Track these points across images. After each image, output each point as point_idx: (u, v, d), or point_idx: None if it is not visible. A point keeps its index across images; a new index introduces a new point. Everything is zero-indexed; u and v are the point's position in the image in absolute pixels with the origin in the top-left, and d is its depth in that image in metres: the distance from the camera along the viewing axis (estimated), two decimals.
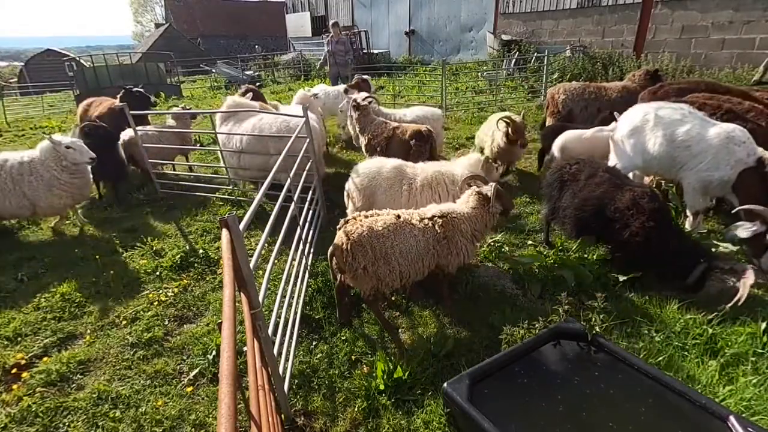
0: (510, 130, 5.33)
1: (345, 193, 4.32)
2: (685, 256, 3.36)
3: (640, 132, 4.29)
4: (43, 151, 4.85)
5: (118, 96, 7.89)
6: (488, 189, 3.29)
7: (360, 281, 3.04)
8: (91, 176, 5.26)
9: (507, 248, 4.30)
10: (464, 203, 3.34)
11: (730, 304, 3.10)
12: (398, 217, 3.12)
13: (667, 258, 3.39)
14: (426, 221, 3.15)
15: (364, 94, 5.99)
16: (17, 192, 4.77)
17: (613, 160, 4.60)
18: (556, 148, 5.40)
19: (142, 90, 8.17)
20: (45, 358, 3.25)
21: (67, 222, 5.48)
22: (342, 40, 10.96)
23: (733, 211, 3.69)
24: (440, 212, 3.22)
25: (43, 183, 4.80)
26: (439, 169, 4.06)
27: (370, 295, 3.12)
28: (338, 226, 3.13)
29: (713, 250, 3.81)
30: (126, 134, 6.31)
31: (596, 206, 3.64)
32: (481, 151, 6.08)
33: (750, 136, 3.85)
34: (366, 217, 3.11)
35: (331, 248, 3.11)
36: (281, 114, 5.56)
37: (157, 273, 4.31)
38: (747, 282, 3.08)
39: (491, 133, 5.79)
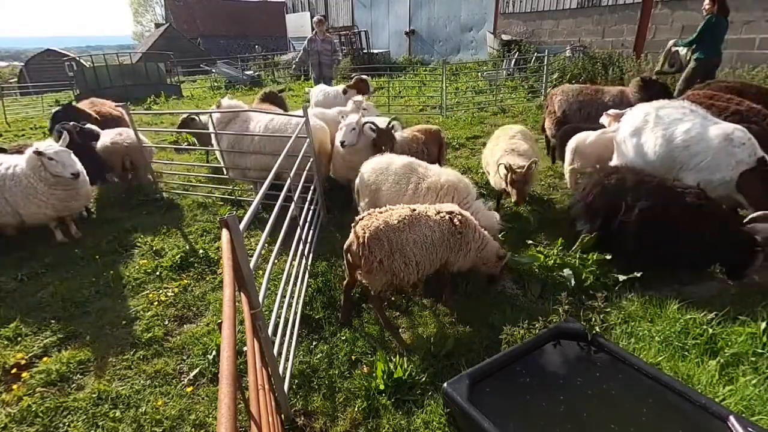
0: (511, 177, 4.36)
1: (354, 189, 4.35)
2: (743, 246, 3.35)
3: (641, 132, 4.28)
4: (26, 158, 4.56)
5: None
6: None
7: (375, 276, 3.07)
8: (87, 189, 4.93)
9: (507, 248, 4.30)
10: (482, 235, 3.42)
11: None
12: (413, 210, 3.18)
13: (730, 253, 3.37)
14: (443, 214, 3.22)
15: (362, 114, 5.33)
16: (0, 199, 4.55)
17: (615, 161, 4.60)
18: (568, 150, 5.31)
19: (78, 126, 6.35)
20: (45, 358, 3.25)
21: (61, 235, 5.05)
22: (328, 39, 9.79)
23: (745, 221, 3.59)
24: (459, 211, 3.31)
25: (20, 189, 4.52)
26: (456, 181, 3.85)
27: (381, 291, 3.17)
28: (353, 224, 3.18)
29: None
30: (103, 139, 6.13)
31: (662, 216, 3.46)
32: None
33: (751, 137, 3.83)
34: (381, 212, 3.18)
35: (346, 243, 3.17)
36: (292, 115, 5.52)
37: (157, 273, 4.31)
38: None
39: (496, 166, 4.73)
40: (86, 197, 5.09)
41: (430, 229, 3.13)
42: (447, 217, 3.22)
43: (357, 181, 4.30)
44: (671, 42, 7.25)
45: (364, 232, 3.01)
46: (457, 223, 3.22)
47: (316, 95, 8.21)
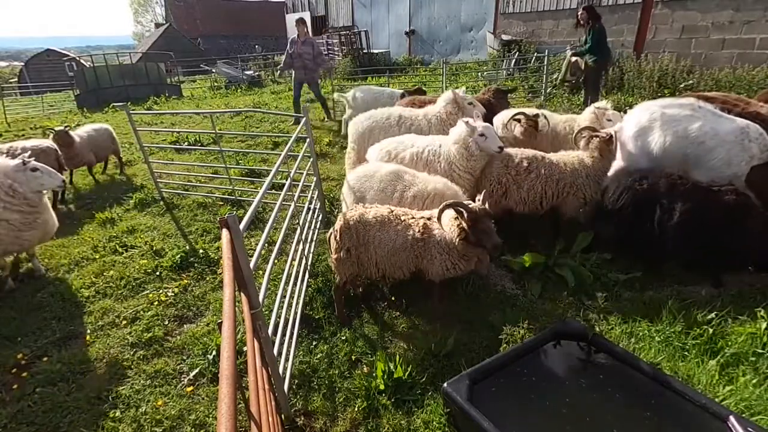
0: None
1: (341, 197, 4.26)
2: None
3: (648, 131, 4.23)
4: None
5: None
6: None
7: (342, 263, 3.25)
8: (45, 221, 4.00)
9: (507, 249, 4.28)
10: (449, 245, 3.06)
11: None
12: (391, 211, 3.25)
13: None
14: (412, 220, 3.20)
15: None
16: None
17: (618, 160, 4.57)
18: None
19: None
20: (45, 358, 3.25)
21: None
22: (309, 42, 9.23)
23: None
24: (429, 215, 3.23)
25: None
26: (443, 189, 3.64)
27: (347, 281, 3.35)
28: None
29: None
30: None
31: (704, 218, 3.38)
32: None
33: (764, 132, 3.82)
34: (365, 207, 3.33)
35: (329, 230, 3.37)
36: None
37: (157, 273, 4.31)
38: None
39: None
40: (41, 233, 4.00)
41: (396, 233, 3.14)
42: (414, 222, 3.15)
43: (343, 188, 4.17)
44: (569, 53, 8.69)
45: (341, 221, 3.24)
46: (417, 231, 3.10)
47: (363, 93, 7.86)
